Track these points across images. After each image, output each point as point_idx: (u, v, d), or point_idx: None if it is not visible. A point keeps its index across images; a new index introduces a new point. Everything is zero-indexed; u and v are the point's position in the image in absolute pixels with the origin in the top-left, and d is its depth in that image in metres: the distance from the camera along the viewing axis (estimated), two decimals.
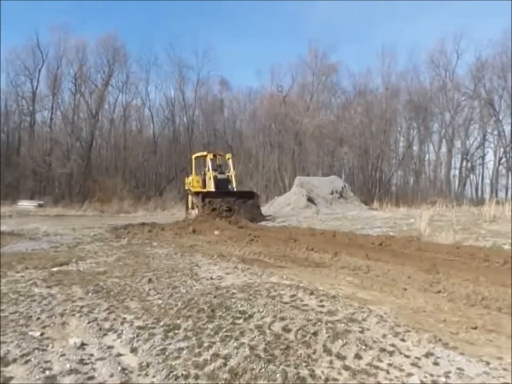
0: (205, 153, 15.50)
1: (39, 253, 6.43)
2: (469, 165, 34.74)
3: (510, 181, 32.72)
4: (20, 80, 32.22)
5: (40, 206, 21.69)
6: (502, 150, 33.12)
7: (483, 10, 51.35)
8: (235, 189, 14.31)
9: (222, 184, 14.23)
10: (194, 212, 14.20)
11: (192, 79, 37.53)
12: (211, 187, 14.08)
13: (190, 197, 15.56)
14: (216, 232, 9.22)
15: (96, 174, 31.19)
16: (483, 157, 34.69)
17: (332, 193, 20.52)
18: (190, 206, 15.40)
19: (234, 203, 13.00)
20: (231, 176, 14.54)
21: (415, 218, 10.59)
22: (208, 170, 14.59)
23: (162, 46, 64.59)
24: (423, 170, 37.09)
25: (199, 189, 14.92)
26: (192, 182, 15.62)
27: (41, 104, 32.90)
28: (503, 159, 33.14)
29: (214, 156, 15.12)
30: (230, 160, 14.87)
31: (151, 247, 7.26)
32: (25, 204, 21.84)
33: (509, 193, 31.07)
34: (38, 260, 5.65)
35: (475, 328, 2.85)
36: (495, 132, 33.45)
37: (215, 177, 14.22)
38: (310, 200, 18.71)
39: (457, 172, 35.28)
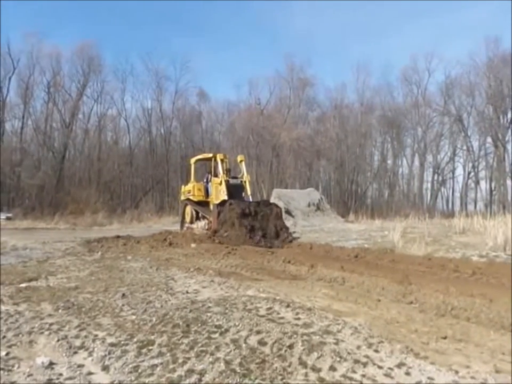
0: (209, 155, 13.09)
1: (6, 268, 6.15)
2: (440, 178, 36.07)
3: (478, 195, 34.18)
4: None
5: (8, 219, 20.81)
6: (470, 164, 34.66)
7: (451, 32, 54.31)
8: (250, 198, 11.60)
9: (236, 191, 11.56)
10: (198, 225, 12.31)
11: (170, 90, 37.43)
12: (222, 195, 11.29)
13: (189, 208, 13.35)
14: (193, 245, 9.12)
15: (69, 186, 30.30)
16: (453, 171, 36.20)
17: (309, 205, 20.76)
18: (189, 219, 13.23)
19: (258, 217, 10.18)
20: (245, 182, 11.93)
21: (389, 231, 10.85)
22: (216, 175, 12.16)
23: (139, 56, 64.27)
24: (397, 184, 38.20)
25: (201, 199, 12.87)
26: (192, 190, 13.14)
27: (12, 113, 31.88)
28: (472, 173, 34.63)
29: (223, 157, 12.37)
30: (243, 163, 12.42)
31: (125, 260, 7.09)
32: None
33: (477, 206, 32.40)
34: (5, 276, 5.41)
35: (445, 338, 2.93)
36: (464, 147, 35.02)
37: (227, 183, 11.58)
38: (288, 212, 18.83)
39: (429, 185, 36.59)
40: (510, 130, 32.02)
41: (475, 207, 32.51)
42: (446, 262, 6.36)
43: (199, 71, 65.50)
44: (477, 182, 34.27)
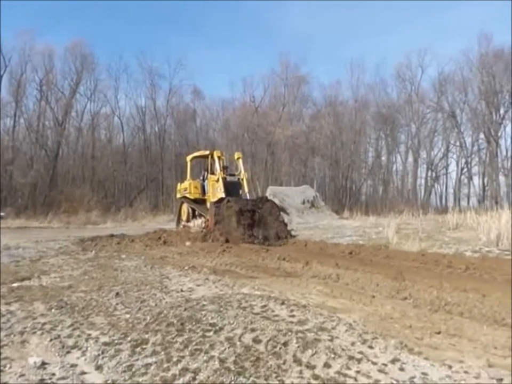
0: (206, 152, 13.06)
1: None
2: (434, 174, 36.30)
3: (471, 190, 34.48)
4: None
5: (0, 218, 20.61)
6: (463, 160, 34.93)
7: (444, 29, 54.57)
8: (248, 196, 11.56)
9: (233, 189, 11.56)
10: (194, 224, 12.24)
11: (164, 87, 37.24)
12: (219, 193, 11.33)
13: (185, 206, 13.36)
14: (188, 243, 9.10)
15: (62, 184, 30.09)
16: (446, 167, 36.48)
17: (303, 202, 20.83)
18: (185, 217, 13.18)
19: (256, 214, 9.86)
20: (242, 180, 11.87)
21: (384, 227, 10.89)
22: (213, 173, 12.18)
23: (133, 54, 63.69)
24: (391, 180, 38.39)
25: (198, 196, 12.91)
26: (189, 187, 13.06)
27: (3, 111, 31.50)
28: (465, 169, 34.91)
29: (220, 154, 12.27)
30: (241, 160, 12.35)
31: (119, 259, 7.05)
32: None
33: (470, 202, 32.69)
34: None
35: (438, 333, 2.95)
36: (457, 143, 35.27)
37: (224, 180, 11.60)
38: (283, 209, 18.85)
39: (423, 181, 36.83)
40: (502, 126, 32.35)
41: (468, 202, 32.87)
42: (440, 257, 6.40)
43: (193, 68, 65.10)
44: (470, 178, 34.59)
